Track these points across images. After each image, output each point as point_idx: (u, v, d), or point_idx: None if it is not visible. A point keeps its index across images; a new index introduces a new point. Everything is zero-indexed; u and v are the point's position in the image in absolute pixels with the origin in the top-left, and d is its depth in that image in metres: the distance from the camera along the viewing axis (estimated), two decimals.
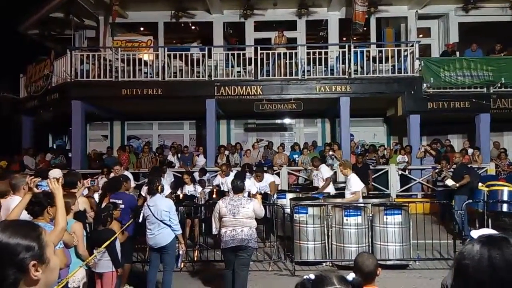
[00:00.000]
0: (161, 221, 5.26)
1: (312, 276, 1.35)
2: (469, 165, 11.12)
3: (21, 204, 3.35)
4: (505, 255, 1.07)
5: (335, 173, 11.13)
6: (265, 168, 10.06)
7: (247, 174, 9.43)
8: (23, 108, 14.28)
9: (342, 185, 10.20)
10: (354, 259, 2.92)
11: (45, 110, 13.47)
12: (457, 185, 8.58)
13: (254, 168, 9.60)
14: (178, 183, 9.56)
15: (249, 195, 6.80)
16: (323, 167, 9.43)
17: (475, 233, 1.22)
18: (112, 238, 4.77)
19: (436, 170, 10.02)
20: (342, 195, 7.67)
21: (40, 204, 3.40)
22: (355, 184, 7.04)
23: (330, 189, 9.09)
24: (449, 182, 8.75)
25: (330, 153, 11.61)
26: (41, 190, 3.34)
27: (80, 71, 12.24)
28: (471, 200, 8.03)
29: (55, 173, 5.62)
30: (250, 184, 7.94)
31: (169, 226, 5.28)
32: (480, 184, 8.89)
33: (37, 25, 14.60)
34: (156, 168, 9.52)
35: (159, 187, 5.45)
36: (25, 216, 3.44)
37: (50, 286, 1.31)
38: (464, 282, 1.12)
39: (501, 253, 1.08)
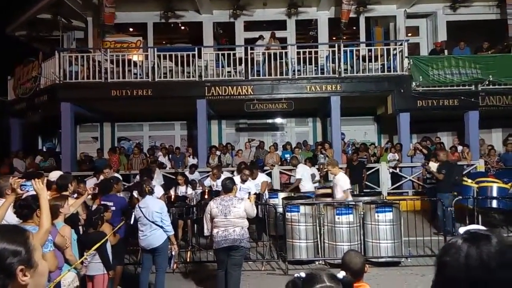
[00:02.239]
0: (153, 222, 5.24)
1: (303, 275, 1.36)
2: (457, 163, 11.29)
3: (4, 206, 3.31)
4: (482, 253, 1.05)
5: (326, 172, 11.19)
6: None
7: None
8: (11, 110, 14.11)
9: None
10: (342, 258, 2.94)
11: (34, 112, 13.33)
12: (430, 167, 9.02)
13: (243, 166, 9.66)
14: (168, 185, 9.51)
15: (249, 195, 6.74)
16: (299, 167, 9.62)
17: (463, 230, 1.23)
18: (103, 240, 4.74)
19: (425, 166, 10.10)
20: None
21: (29, 207, 3.36)
22: (345, 183, 7.11)
23: (308, 188, 9.19)
24: (433, 165, 9.07)
25: (323, 151, 11.67)
26: (25, 191, 3.30)
27: (68, 73, 12.11)
28: (461, 197, 8.11)
29: (55, 175, 5.58)
30: (250, 185, 7.94)
31: (161, 227, 5.27)
32: (469, 180, 8.98)
33: (25, 27, 14.44)
34: (146, 170, 9.47)
35: (147, 189, 5.41)
36: (14, 219, 3.40)
37: None
38: (442, 278, 1.11)
39: (479, 251, 1.06)
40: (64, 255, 3.94)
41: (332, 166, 7.39)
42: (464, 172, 11.11)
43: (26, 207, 3.36)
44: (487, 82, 11.69)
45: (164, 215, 5.33)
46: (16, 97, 13.77)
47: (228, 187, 5.34)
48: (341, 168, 11.09)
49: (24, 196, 3.43)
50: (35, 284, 1.25)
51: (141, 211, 5.31)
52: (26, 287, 1.22)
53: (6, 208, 3.30)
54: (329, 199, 7.51)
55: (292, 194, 8.90)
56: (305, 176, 9.40)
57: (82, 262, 4.40)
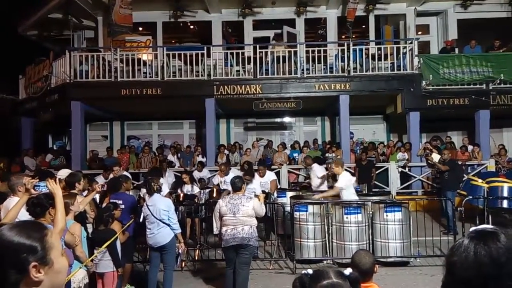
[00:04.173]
0: (160, 220, 5.27)
1: (310, 271, 1.38)
2: (467, 162, 11.38)
3: (17, 206, 3.35)
4: (491, 250, 1.07)
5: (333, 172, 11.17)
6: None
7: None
8: (22, 109, 14.27)
9: None
10: (351, 257, 2.93)
11: (45, 111, 13.47)
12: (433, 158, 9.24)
13: (256, 164, 9.66)
14: (178, 183, 9.58)
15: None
16: (316, 166, 9.49)
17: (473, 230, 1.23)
18: (113, 238, 4.78)
19: (428, 157, 10.05)
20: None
21: (41, 205, 3.41)
22: (340, 181, 7.09)
23: (324, 186, 9.13)
24: (435, 157, 9.20)
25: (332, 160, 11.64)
26: (38, 191, 3.34)
27: (79, 72, 12.22)
28: (470, 197, 8.04)
29: (63, 173, 5.63)
30: (256, 184, 7.93)
31: (168, 225, 5.29)
32: (480, 180, 8.91)
33: (36, 26, 14.59)
34: (155, 168, 9.53)
35: (154, 187, 5.44)
36: (26, 217, 3.44)
37: None
38: (452, 279, 1.12)
39: (487, 248, 1.07)
40: (75, 252, 3.99)
41: (336, 165, 7.31)
42: (474, 172, 11.06)
43: (39, 205, 3.40)
44: (498, 81, 11.55)
45: (171, 213, 5.35)
46: (27, 96, 13.92)
47: (237, 185, 5.35)
48: (349, 167, 11.14)
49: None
50: (51, 281, 1.25)
51: (148, 209, 5.35)
52: (39, 284, 1.22)
53: (20, 207, 3.34)
54: (316, 197, 7.50)
55: (301, 193, 8.90)
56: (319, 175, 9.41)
57: (92, 260, 4.45)
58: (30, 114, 14.20)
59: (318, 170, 9.32)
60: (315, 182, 9.31)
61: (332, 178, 10.50)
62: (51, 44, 14.90)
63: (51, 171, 6.55)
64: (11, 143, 14.72)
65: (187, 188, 8.73)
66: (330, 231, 7.05)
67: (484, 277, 1.05)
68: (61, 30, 14.58)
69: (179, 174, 11.16)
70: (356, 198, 7.21)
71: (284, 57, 12.14)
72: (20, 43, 15.66)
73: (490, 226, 1.21)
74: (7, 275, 1.18)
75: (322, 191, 8.68)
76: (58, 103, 12.60)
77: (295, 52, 12.31)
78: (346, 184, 7.06)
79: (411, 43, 12.21)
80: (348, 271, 1.41)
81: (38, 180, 3.46)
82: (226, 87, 12.04)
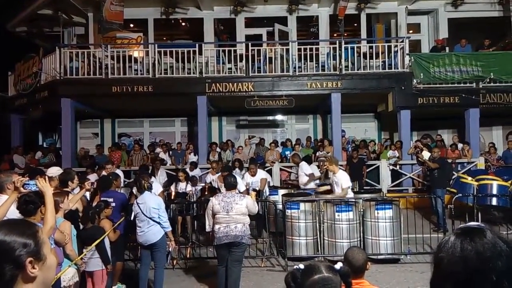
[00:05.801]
0: (150, 218, 5.25)
1: (301, 266, 1.40)
2: (457, 160, 11.44)
3: (6, 204, 3.31)
4: (476, 246, 1.10)
5: (326, 170, 11.20)
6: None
7: (237, 170, 9.46)
8: (12, 106, 14.10)
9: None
10: (344, 253, 2.94)
11: (35, 108, 13.33)
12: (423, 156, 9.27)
13: (248, 162, 9.66)
14: (170, 181, 9.54)
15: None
16: (303, 163, 9.47)
17: None
18: (103, 237, 4.75)
19: (419, 154, 10.14)
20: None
21: (33, 203, 3.38)
22: (345, 181, 7.09)
23: (311, 184, 9.16)
24: (425, 154, 9.24)
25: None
26: (28, 189, 3.30)
27: (69, 69, 12.10)
28: (460, 194, 8.13)
29: (53, 171, 5.57)
30: (239, 181, 7.92)
31: (159, 223, 5.28)
32: (469, 178, 9.01)
33: (25, 22, 14.40)
34: (145, 166, 9.50)
35: (145, 185, 5.42)
36: (16, 215, 3.40)
37: (48, 284, 1.32)
38: (440, 274, 1.15)
39: (473, 244, 1.10)
40: (65, 250, 3.96)
41: (330, 163, 7.32)
42: (464, 170, 11.17)
43: (32, 203, 3.37)
44: (488, 80, 11.67)
45: (161, 211, 5.33)
46: (17, 93, 13.76)
47: (232, 184, 5.34)
48: (341, 165, 11.18)
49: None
50: (44, 277, 1.28)
51: (139, 207, 5.32)
52: (34, 279, 1.24)
53: (9, 205, 3.30)
54: (329, 196, 7.51)
55: (292, 191, 8.91)
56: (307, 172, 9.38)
57: (81, 258, 4.42)
58: (20, 111, 14.04)
59: (305, 168, 9.35)
60: (302, 180, 9.32)
61: (324, 175, 10.56)
62: (41, 41, 14.72)
63: (41, 169, 6.49)
64: (0, 140, 14.55)
65: (181, 186, 8.70)
66: (321, 229, 7.07)
67: (470, 272, 1.08)
68: (51, 27, 14.40)
69: (172, 173, 11.15)
70: (352, 194, 7.26)
71: (276, 58, 12.12)
72: (9, 39, 15.46)
73: (475, 223, 1.25)
74: (3, 271, 1.20)
75: (309, 189, 8.76)
76: (48, 100, 12.48)
77: (287, 50, 12.32)
78: (349, 181, 7.13)
79: (402, 41, 12.28)
80: (338, 265, 1.43)
81: (28, 178, 3.42)
82: (218, 84, 12.01)
